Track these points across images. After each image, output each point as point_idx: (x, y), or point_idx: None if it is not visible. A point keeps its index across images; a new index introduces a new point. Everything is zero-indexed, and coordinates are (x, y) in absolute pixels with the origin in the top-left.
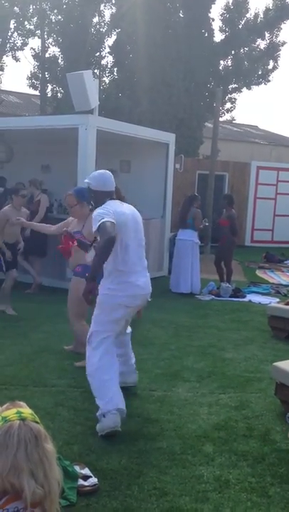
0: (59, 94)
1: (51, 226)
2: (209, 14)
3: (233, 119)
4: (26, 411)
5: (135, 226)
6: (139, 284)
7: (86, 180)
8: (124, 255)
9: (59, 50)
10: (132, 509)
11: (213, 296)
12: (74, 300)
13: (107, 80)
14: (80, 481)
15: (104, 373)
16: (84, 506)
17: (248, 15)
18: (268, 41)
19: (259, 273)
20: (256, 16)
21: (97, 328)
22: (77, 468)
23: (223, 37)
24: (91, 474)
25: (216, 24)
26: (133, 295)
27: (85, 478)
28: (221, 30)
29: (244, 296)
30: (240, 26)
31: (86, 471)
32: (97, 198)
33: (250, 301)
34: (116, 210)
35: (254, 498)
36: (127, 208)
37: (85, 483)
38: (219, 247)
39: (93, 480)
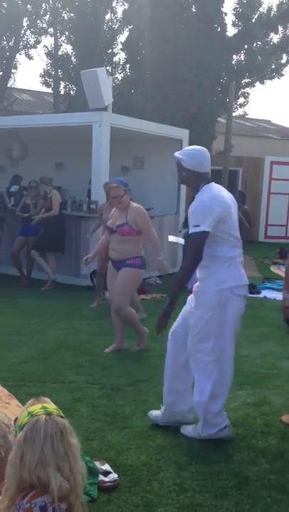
0: (72, 92)
1: (103, 240)
2: (222, 9)
3: (246, 113)
4: (51, 406)
5: (235, 208)
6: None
7: (177, 155)
8: (228, 247)
9: (71, 47)
10: (152, 505)
11: None
12: (126, 289)
13: (119, 76)
14: (101, 477)
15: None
16: (105, 502)
17: (261, 9)
18: (281, 35)
19: (273, 269)
20: (269, 9)
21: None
22: (97, 464)
23: (236, 31)
24: (111, 470)
25: (229, 19)
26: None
27: (106, 473)
28: (234, 24)
29: (259, 292)
30: (253, 20)
31: (106, 467)
32: (189, 179)
33: (265, 297)
34: (222, 200)
35: (274, 494)
36: (226, 194)
37: (106, 479)
38: None
39: (113, 476)
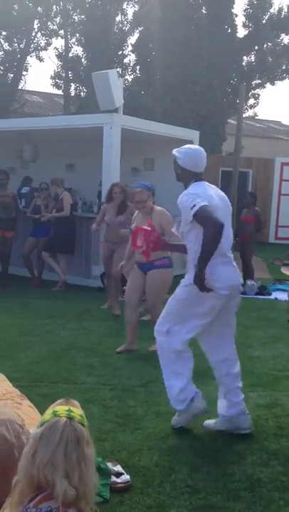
0: (82, 94)
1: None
2: (232, 10)
3: (256, 114)
4: (77, 411)
5: (226, 210)
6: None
7: (174, 152)
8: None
9: (82, 49)
10: (165, 506)
11: None
12: (159, 290)
13: (129, 78)
14: (113, 478)
15: None
16: (117, 503)
17: (271, 10)
18: None
19: (284, 270)
20: (280, 10)
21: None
22: (109, 465)
23: (246, 32)
24: (123, 471)
25: (240, 20)
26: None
27: (118, 475)
28: (245, 25)
29: (270, 294)
30: (263, 21)
31: (118, 468)
32: (183, 177)
33: (276, 298)
34: (205, 193)
35: (286, 497)
36: (215, 192)
37: (118, 480)
38: (245, 244)
39: (126, 477)
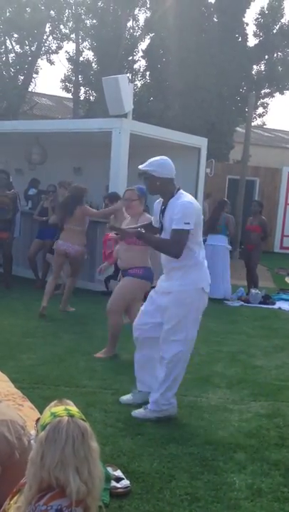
0: (91, 98)
1: (117, 248)
2: (243, 19)
3: (264, 123)
4: (74, 409)
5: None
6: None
7: (146, 168)
8: (200, 250)
9: (93, 54)
10: None
11: (242, 303)
12: (123, 297)
13: (139, 83)
14: (113, 483)
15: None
16: (117, 508)
17: (282, 20)
18: None
19: (288, 280)
20: None
21: (193, 325)
22: (110, 469)
23: (256, 41)
24: (123, 476)
25: (250, 29)
26: (208, 283)
27: (118, 480)
28: (255, 34)
29: (274, 303)
30: (274, 31)
31: (118, 473)
32: (162, 186)
33: (279, 308)
34: (198, 208)
35: (287, 508)
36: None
37: (118, 485)
38: (250, 253)
39: (125, 482)
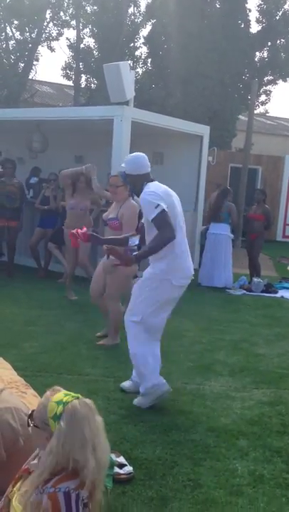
0: (93, 85)
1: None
2: (246, 5)
3: (267, 111)
4: (70, 392)
5: (179, 206)
6: (188, 266)
7: (122, 165)
8: (177, 237)
9: (94, 40)
10: (167, 499)
11: (244, 291)
12: (115, 283)
13: (140, 71)
14: (116, 469)
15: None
16: (120, 494)
17: (286, 6)
18: None
19: None
20: None
21: (148, 309)
22: (113, 456)
23: (259, 28)
24: (126, 463)
25: (253, 15)
26: (185, 276)
27: (121, 466)
28: (258, 21)
29: (276, 292)
30: (277, 17)
31: (121, 460)
32: (135, 182)
33: (282, 296)
34: (165, 192)
35: None
36: (169, 190)
37: (121, 471)
38: (253, 242)
39: (128, 468)
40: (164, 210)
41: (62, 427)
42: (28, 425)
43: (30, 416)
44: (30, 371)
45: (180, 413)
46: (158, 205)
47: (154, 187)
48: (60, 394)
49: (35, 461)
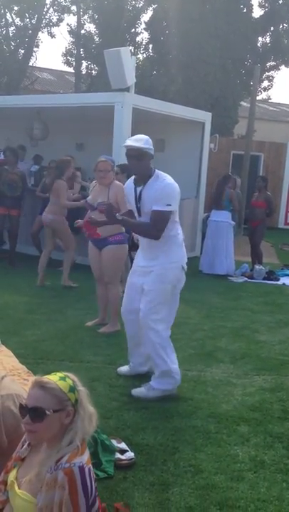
0: (93, 72)
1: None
2: None
3: (269, 97)
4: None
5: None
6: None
7: (140, 145)
8: (179, 228)
9: (94, 26)
10: (168, 484)
11: (246, 279)
12: (113, 266)
13: (141, 57)
14: (117, 455)
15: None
16: (121, 479)
17: None
18: None
19: None
20: None
21: (172, 310)
22: (114, 442)
23: (262, 13)
24: (128, 449)
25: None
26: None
27: (122, 452)
28: (261, 5)
29: (278, 279)
30: (280, 2)
31: (123, 446)
32: (149, 165)
33: (283, 284)
34: (179, 191)
35: None
36: None
37: (122, 457)
38: (255, 229)
39: (130, 454)
40: (171, 211)
41: (84, 393)
42: (34, 420)
43: (35, 410)
44: (32, 359)
45: (181, 399)
46: (170, 205)
47: (173, 181)
48: (49, 376)
49: (24, 448)
